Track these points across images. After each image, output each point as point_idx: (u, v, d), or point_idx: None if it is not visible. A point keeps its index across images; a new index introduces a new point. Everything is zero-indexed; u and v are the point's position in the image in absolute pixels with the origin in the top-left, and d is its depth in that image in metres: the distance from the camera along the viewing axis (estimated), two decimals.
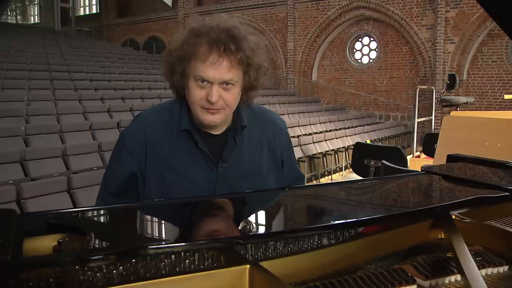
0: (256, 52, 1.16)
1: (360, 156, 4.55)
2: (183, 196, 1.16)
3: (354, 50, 13.46)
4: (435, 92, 10.20)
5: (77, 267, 0.64)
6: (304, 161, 7.26)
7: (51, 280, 0.62)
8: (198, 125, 1.20)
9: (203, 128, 1.21)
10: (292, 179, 1.38)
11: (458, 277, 0.82)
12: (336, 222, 0.89)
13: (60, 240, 0.72)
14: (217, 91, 1.12)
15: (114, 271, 0.66)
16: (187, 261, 0.71)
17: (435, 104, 10.12)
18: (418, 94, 9.19)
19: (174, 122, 1.21)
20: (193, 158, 1.19)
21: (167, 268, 0.70)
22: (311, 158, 7.63)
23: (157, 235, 0.87)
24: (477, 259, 0.87)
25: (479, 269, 0.79)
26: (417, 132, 8.02)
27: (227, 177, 1.21)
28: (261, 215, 1.00)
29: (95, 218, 0.91)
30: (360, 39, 13.30)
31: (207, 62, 1.10)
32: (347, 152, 8.18)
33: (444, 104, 10.30)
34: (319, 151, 7.96)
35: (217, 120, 1.17)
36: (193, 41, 1.11)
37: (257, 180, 1.25)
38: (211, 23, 1.12)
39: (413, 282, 0.78)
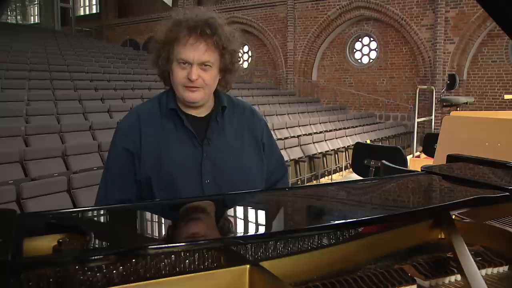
0: (231, 40, 1.31)
1: (360, 156, 4.56)
2: (172, 175, 1.27)
3: (354, 50, 13.45)
4: (435, 92, 10.19)
5: (77, 267, 0.64)
6: (304, 161, 7.26)
7: (51, 280, 0.62)
8: (182, 106, 1.34)
9: (188, 109, 1.35)
10: (275, 163, 1.49)
11: (458, 277, 0.82)
12: (336, 222, 0.89)
13: (60, 240, 0.72)
14: (196, 70, 1.26)
15: (114, 271, 0.66)
16: (187, 261, 0.71)
17: (435, 104, 10.11)
18: (418, 94, 9.19)
19: (163, 106, 1.36)
20: (180, 137, 1.32)
21: (167, 268, 0.69)
22: (311, 158, 7.62)
23: (157, 235, 0.86)
24: (477, 259, 0.87)
25: (479, 269, 0.79)
26: (417, 132, 8.00)
27: (211, 155, 1.32)
28: (261, 215, 1.00)
29: (95, 218, 0.91)
30: (360, 39, 13.30)
31: (187, 44, 1.26)
32: (347, 152, 8.18)
33: (444, 104, 10.29)
34: (319, 151, 7.95)
35: (197, 97, 1.30)
36: (175, 28, 1.28)
37: (240, 159, 1.36)
38: (191, 14, 1.28)
39: (413, 282, 0.78)
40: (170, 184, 1.27)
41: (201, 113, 1.37)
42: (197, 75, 1.26)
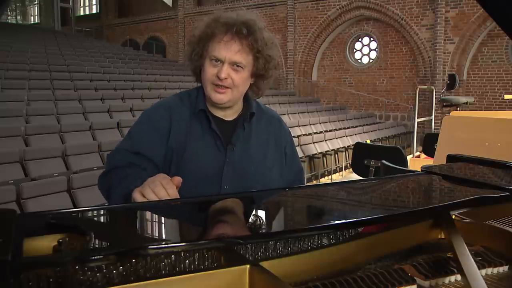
0: (269, 45, 1.28)
1: (360, 156, 4.55)
2: (192, 176, 1.24)
3: (354, 50, 13.46)
4: (435, 92, 10.19)
5: (77, 267, 0.64)
6: (304, 161, 7.25)
7: (51, 280, 0.62)
8: (210, 106, 1.33)
9: (215, 111, 1.33)
10: (294, 175, 1.47)
11: (458, 277, 0.82)
12: (336, 222, 0.89)
13: (60, 240, 0.72)
14: (226, 69, 1.24)
15: (114, 271, 0.65)
16: (187, 261, 0.71)
17: (435, 104, 10.11)
18: (418, 94, 9.19)
19: (192, 104, 1.34)
20: (205, 138, 1.30)
21: (167, 268, 0.69)
22: (311, 158, 7.63)
23: (157, 235, 0.86)
24: (477, 259, 0.87)
25: (479, 269, 0.79)
26: (417, 132, 8.00)
27: (234, 161, 1.30)
28: (261, 215, 1.00)
29: (95, 218, 0.91)
30: (360, 39, 13.30)
31: (221, 42, 1.24)
32: (347, 152, 8.18)
33: (444, 104, 10.30)
34: (319, 151, 7.96)
35: (224, 99, 1.27)
36: (213, 24, 1.26)
37: (262, 169, 1.34)
38: (232, 13, 1.27)
39: (413, 282, 0.78)
40: (188, 185, 1.18)
41: (229, 116, 1.35)
42: (227, 74, 1.24)
